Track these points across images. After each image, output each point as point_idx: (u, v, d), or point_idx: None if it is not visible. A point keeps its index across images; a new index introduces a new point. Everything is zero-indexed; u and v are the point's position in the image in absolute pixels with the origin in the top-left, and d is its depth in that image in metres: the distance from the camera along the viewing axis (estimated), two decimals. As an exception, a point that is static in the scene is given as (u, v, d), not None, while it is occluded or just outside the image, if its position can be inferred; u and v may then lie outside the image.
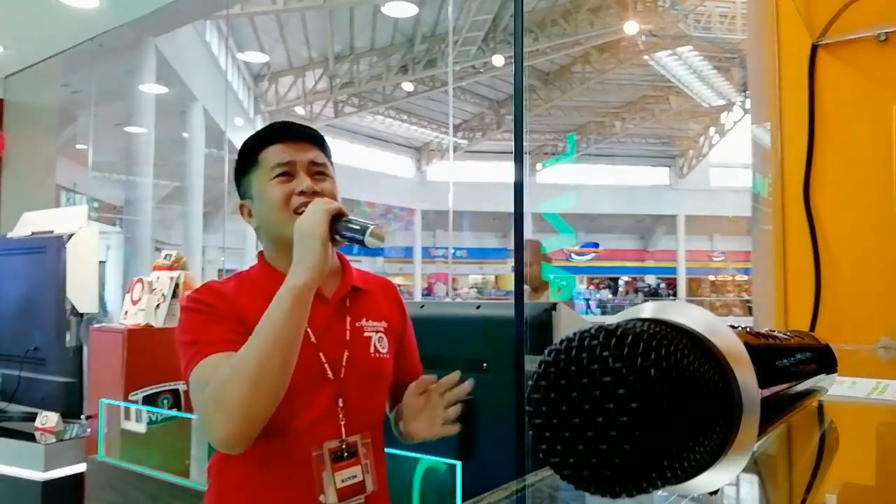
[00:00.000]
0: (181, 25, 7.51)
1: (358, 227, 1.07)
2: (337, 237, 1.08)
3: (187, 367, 1.05)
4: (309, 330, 1.11)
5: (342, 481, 1.11)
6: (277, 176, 1.15)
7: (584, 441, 0.31)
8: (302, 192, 1.13)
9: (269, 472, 1.10)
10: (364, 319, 1.20)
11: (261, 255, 1.22)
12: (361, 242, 1.06)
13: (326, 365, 1.13)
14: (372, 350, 1.19)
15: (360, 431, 1.15)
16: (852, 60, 1.58)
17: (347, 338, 1.17)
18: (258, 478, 1.11)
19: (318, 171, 1.17)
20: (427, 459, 1.56)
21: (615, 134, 21.31)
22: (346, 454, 1.13)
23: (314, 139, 1.21)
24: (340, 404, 1.13)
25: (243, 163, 1.20)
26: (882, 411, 0.91)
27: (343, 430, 1.13)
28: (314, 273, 1.03)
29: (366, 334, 1.19)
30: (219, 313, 1.10)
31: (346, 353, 1.15)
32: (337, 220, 1.07)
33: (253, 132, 1.22)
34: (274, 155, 1.16)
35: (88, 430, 2.46)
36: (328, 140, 1.24)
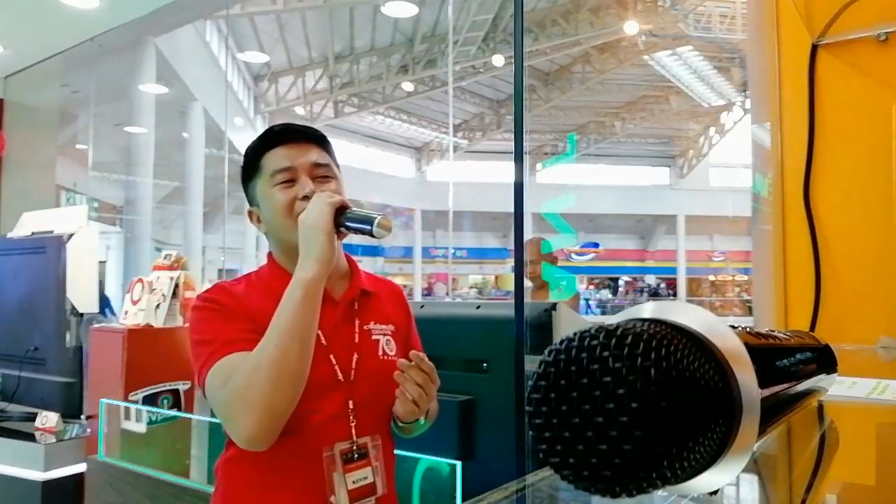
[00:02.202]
0: (181, 25, 7.51)
1: (364, 218, 1.06)
2: (342, 229, 1.07)
3: (203, 367, 1.05)
4: (319, 332, 1.11)
5: (353, 483, 1.11)
6: (279, 183, 1.14)
7: (584, 441, 0.31)
8: (305, 197, 1.12)
9: (280, 472, 1.10)
10: (372, 322, 1.21)
11: (270, 255, 1.22)
12: (370, 233, 1.05)
13: (337, 367, 1.13)
14: (380, 353, 1.19)
15: (370, 433, 1.15)
16: (852, 60, 1.58)
17: (356, 340, 1.17)
18: (268, 478, 1.11)
19: (322, 174, 1.16)
20: (427, 459, 1.56)
21: (615, 134, 21.30)
22: (356, 456, 1.13)
23: (316, 139, 1.19)
24: (351, 406, 1.13)
25: (247, 169, 1.20)
26: (882, 411, 0.91)
27: (354, 431, 1.13)
28: (321, 266, 1.04)
29: (374, 337, 1.20)
30: (230, 312, 1.10)
31: (355, 356, 1.15)
32: (341, 212, 1.07)
33: (253, 133, 1.21)
34: (274, 160, 1.15)
35: (88, 430, 2.46)
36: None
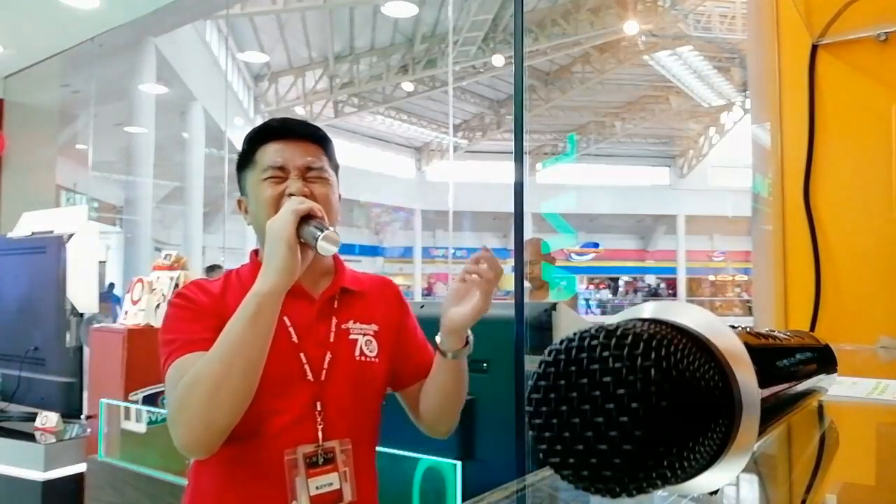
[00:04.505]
0: (181, 25, 7.52)
1: (312, 233, 1.01)
2: (301, 241, 1.02)
3: (164, 366, 1.06)
4: (291, 329, 1.09)
5: (316, 488, 1.06)
6: (269, 178, 1.13)
7: (584, 441, 0.31)
8: (292, 195, 1.10)
9: (242, 474, 1.07)
10: (351, 322, 1.16)
11: (254, 253, 1.20)
12: (314, 249, 1.01)
13: (307, 366, 1.09)
14: (357, 353, 1.14)
15: (339, 437, 1.10)
16: (852, 60, 1.58)
17: (331, 339, 1.13)
18: (231, 479, 1.08)
19: (314, 176, 1.14)
20: (427, 459, 1.55)
21: (615, 134, 21.29)
22: (321, 460, 1.07)
23: (314, 138, 1.17)
24: (319, 408, 1.08)
25: (241, 158, 1.19)
26: (882, 411, 0.91)
27: (320, 434, 1.08)
28: (279, 277, 0.99)
29: (351, 336, 1.15)
30: (200, 310, 1.08)
31: (328, 355, 1.11)
32: (306, 220, 1.02)
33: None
34: (268, 155, 1.14)
35: (88, 430, 2.46)
36: (328, 140, 1.23)
